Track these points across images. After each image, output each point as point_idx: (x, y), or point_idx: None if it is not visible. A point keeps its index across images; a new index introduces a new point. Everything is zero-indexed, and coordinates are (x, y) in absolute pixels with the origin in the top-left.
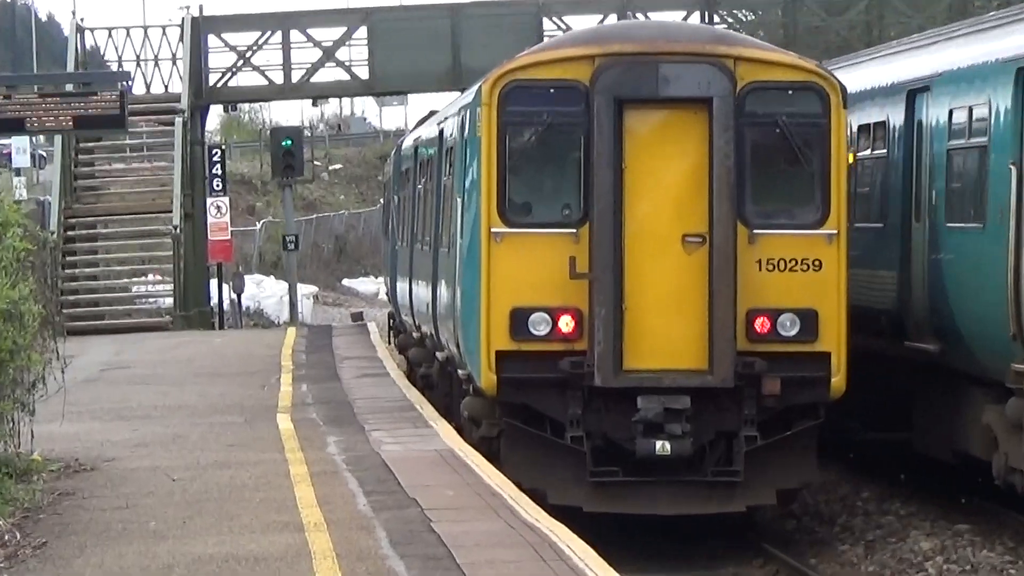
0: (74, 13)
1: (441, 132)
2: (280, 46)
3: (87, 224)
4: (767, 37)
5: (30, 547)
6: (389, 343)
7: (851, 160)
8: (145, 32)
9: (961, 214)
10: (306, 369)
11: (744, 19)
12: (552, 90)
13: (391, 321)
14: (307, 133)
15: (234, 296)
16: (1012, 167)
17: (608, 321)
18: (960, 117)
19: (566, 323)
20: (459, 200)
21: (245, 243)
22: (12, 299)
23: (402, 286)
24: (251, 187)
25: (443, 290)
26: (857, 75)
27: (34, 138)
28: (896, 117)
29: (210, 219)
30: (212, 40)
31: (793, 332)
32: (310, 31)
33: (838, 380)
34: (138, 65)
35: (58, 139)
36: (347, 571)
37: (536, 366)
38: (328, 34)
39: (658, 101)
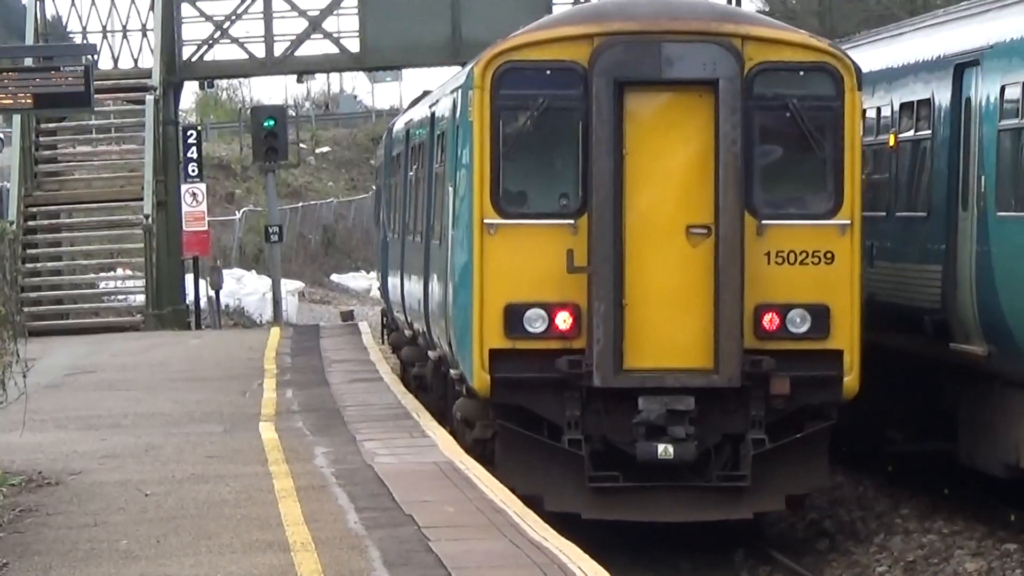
0: None
1: (433, 115)
2: (261, 16)
3: (49, 213)
4: (800, 4)
5: None
6: (383, 342)
7: (892, 142)
8: (112, 0)
9: (1013, 202)
10: (291, 373)
11: None
12: (548, 72)
13: (384, 319)
14: (291, 112)
15: (212, 293)
16: None
17: (608, 318)
18: (1013, 94)
19: (563, 320)
20: (451, 188)
21: (224, 234)
22: None
23: (393, 280)
24: (230, 172)
25: (435, 285)
26: (899, 48)
27: None
28: (942, 94)
29: (185, 208)
30: (186, 9)
31: (804, 329)
32: None
33: (851, 379)
34: (104, 37)
35: (16, 119)
36: None
37: (532, 365)
38: (314, 2)
39: (661, 83)
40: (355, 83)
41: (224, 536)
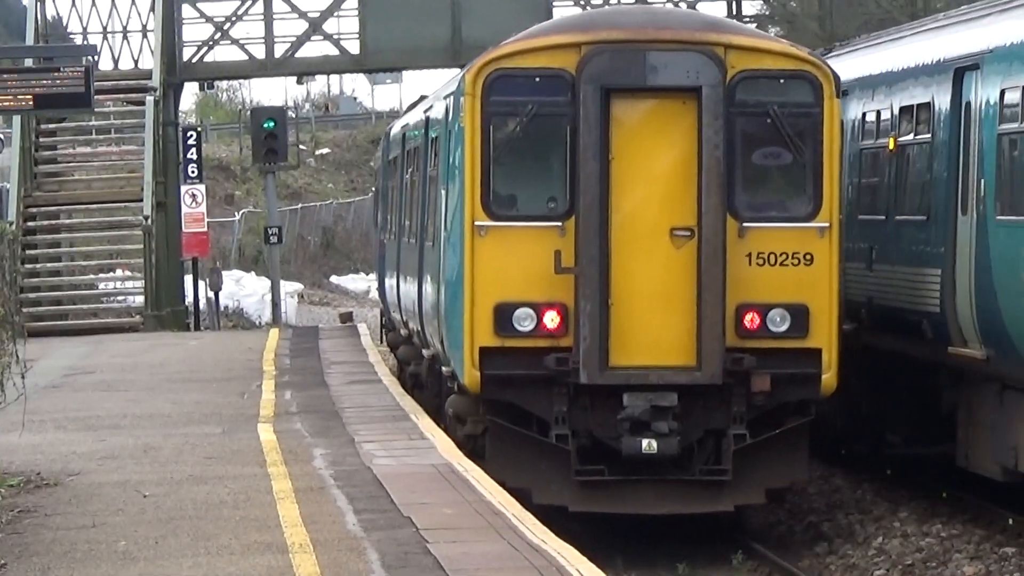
0: None
1: (427, 119)
2: (262, 17)
3: (49, 214)
4: (801, 8)
5: None
6: (381, 341)
7: (892, 146)
8: (112, 1)
9: (1013, 206)
10: (290, 375)
11: None
12: (537, 79)
13: (382, 319)
14: (291, 114)
15: (211, 294)
16: None
17: (594, 317)
18: (1013, 98)
19: (551, 319)
20: (443, 192)
21: (223, 236)
22: None
23: (390, 281)
24: (230, 174)
25: (428, 285)
26: (899, 51)
27: None
28: (942, 98)
29: (184, 209)
30: (187, 10)
31: (783, 328)
32: (295, 0)
33: (829, 377)
34: (105, 38)
35: (16, 120)
36: None
37: (520, 363)
38: (315, 3)
39: (646, 90)
40: (355, 85)
41: (222, 537)
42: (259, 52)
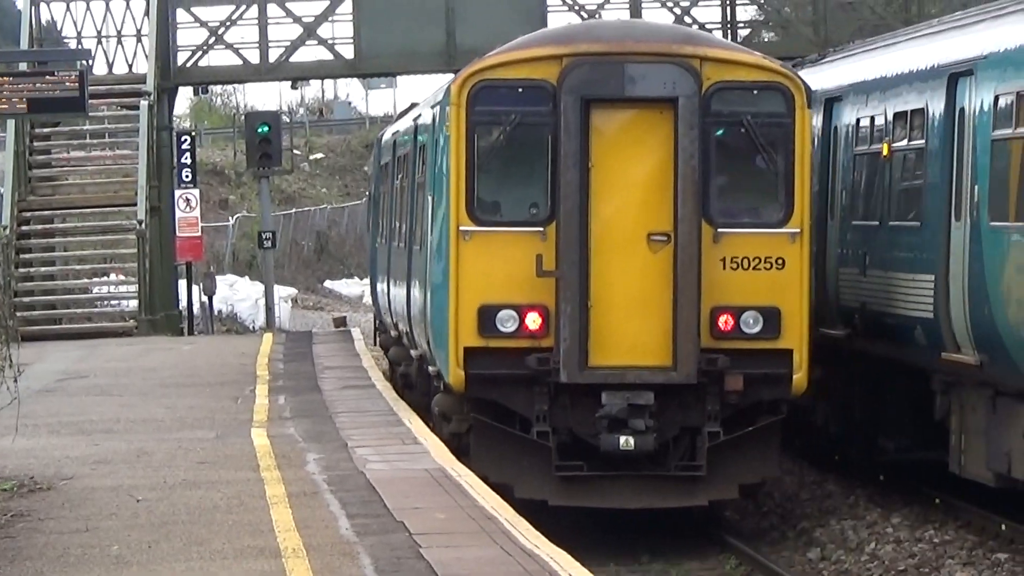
0: None
1: (416, 127)
2: (256, 22)
3: (43, 218)
4: (795, 13)
5: None
6: (375, 343)
7: (885, 152)
8: (107, 5)
9: (1007, 212)
10: (284, 380)
11: None
12: (520, 90)
13: (376, 322)
14: (285, 119)
15: (205, 299)
16: None
17: (574, 318)
18: (1006, 103)
19: (533, 320)
20: (430, 198)
21: (217, 240)
22: None
23: (381, 284)
24: (224, 178)
25: (416, 287)
26: (893, 57)
27: None
28: (936, 104)
29: (178, 213)
30: (181, 15)
31: (756, 329)
32: (289, 5)
33: (800, 377)
34: (99, 42)
35: (10, 124)
36: None
37: (503, 362)
38: (309, 8)
39: (624, 101)
40: (349, 89)
41: (215, 542)
42: (253, 57)
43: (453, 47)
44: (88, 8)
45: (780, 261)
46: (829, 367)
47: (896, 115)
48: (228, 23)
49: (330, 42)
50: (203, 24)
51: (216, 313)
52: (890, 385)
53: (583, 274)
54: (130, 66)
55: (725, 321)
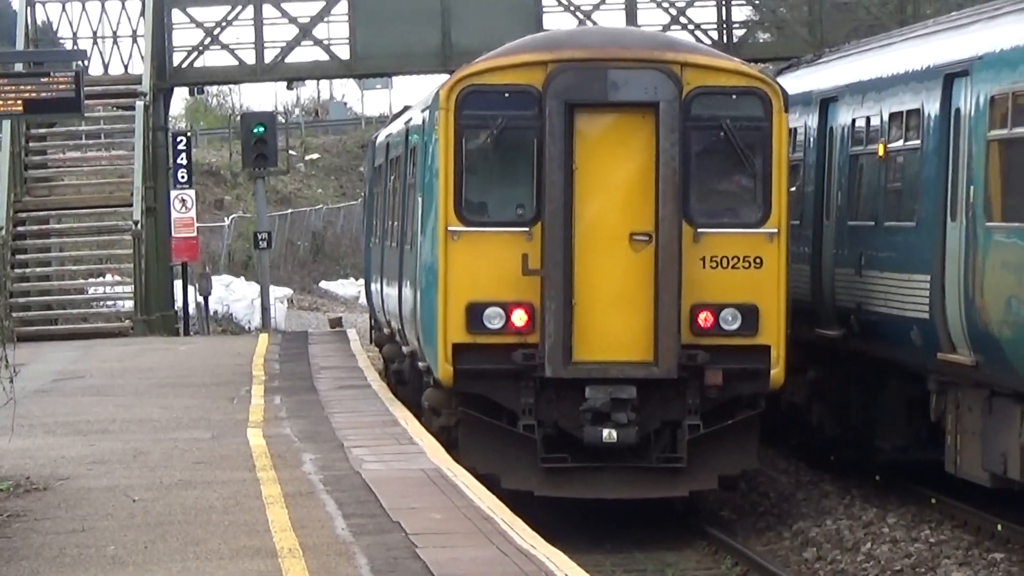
0: None
1: (407, 130)
2: (252, 22)
3: (39, 219)
4: (790, 14)
5: None
6: (371, 342)
7: (881, 152)
8: (103, 6)
9: (1002, 213)
10: (280, 380)
11: None
12: (506, 94)
13: (371, 320)
14: (281, 119)
15: (200, 299)
16: None
17: (558, 315)
18: (1002, 104)
19: (519, 317)
20: (420, 199)
21: (213, 241)
22: None
23: (375, 283)
24: (219, 179)
25: (406, 285)
26: (889, 58)
27: None
28: (931, 104)
29: (174, 214)
30: (177, 15)
31: (735, 326)
32: (285, 6)
33: (777, 372)
34: (95, 43)
35: (6, 124)
36: None
37: (490, 358)
38: (305, 9)
39: (607, 105)
40: (345, 90)
41: (212, 542)
42: (249, 57)
43: (449, 48)
44: (84, 9)
45: (758, 260)
46: (825, 367)
47: (892, 115)
48: (224, 24)
49: (326, 43)
50: (199, 25)
51: (212, 314)
52: (886, 385)
53: (567, 273)
54: (126, 67)
55: (705, 318)
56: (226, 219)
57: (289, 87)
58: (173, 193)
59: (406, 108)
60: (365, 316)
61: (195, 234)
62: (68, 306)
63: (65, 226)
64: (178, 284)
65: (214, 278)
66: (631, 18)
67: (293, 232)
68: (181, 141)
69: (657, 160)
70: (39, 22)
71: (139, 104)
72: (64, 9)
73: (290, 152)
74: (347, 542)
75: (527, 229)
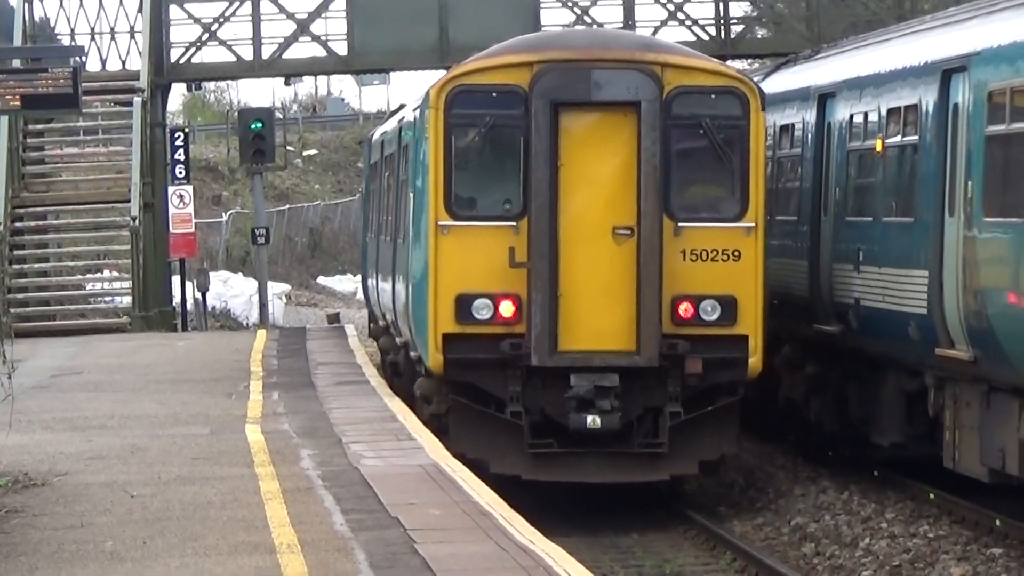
0: None
1: (400, 129)
2: (249, 18)
3: (36, 215)
4: (788, 9)
5: None
6: (369, 334)
7: (879, 148)
8: (100, 2)
9: (1000, 207)
10: (278, 376)
11: None
12: (494, 94)
13: (369, 314)
14: (279, 115)
15: (198, 295)
16: None
17: (544, 306)
18: (1000, 100)
19: (506, 308)
20: (412, 194)
21: (210, 236)
22: None
23: (371, 277)
24: (217, 175)
25: (399, 278)
26: (886, 53)
27: None
28: (929, 100)
29: (172, 210)
30: (174, 11)
31: (714, 317)
32: (282, 2)
33: (755, 360)
34: (93, 39)
35: (3, 120)
36: None
37: (479, 347)
38: (302, 5)
39: (591, 104)
40: (342, 86)
41: (210, 538)
42: (247, 53)
43: (446, 44)
44: (81, 5)
45: (736, 253)
46: (823, 363)
47: (890, 111)
48: (221, 19)
49: (323, 38)
50: (196, 20)
51: (210, 309)
52: (884, 381)
53: (553, 265)
54: (123, 63)
55: (685, 309)
56: (224, 215)
57: (287, 83)
58: (171, 189)
59: (402, 106)
60: (363, 312)
61: (193, 230)
62: (66, 302)
63: (63, 222)
64: (176, 280)
65: (212, 274)
66: (629, 14)
67: (291, 228)
68: (179, 137)
69: (639, 157)
70: (36, 18)
71: (137, 100)
72: (61, 5)
73: (288, 148)
74: (345, 538)
75: (514, 223)
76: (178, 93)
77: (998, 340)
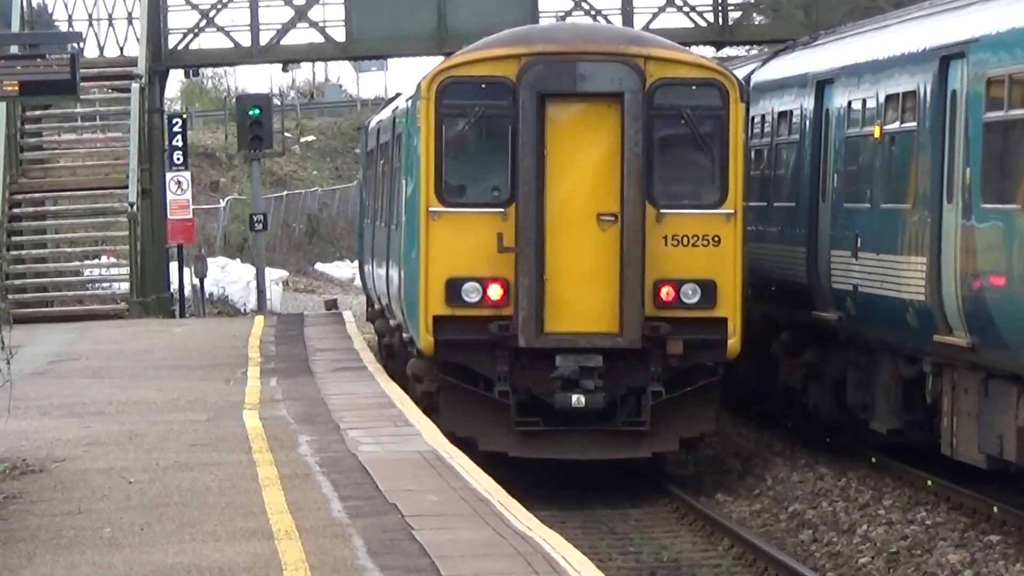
0: None
1: (394, 118)
2: (247, 4)
3: (34, 201)
4: None
5: None
6: (366, 318)
7: (877, 134)
8: None
9: (998, 194)
10: (275, 362)
11: None
12: (483, 85)
13: (367, 298)
14: (276, 101)
15: (196, 281)
16: None
17: (531, 290)
18: (998, 86)
19: (495, 291)
20: (404, 181)
21: (208, 223)
22: None
23: (367, 262)
24: (215, 161)
25: (392, 263)
26: (885, 40)
27: None
28: (927, 86)
29: (170, 196)
30: None
31: (695, 300)
32: None
33: (734, 342)
34: (90, 25)
35: (1, 106)
36: None
37: (468, 329)
38: None
39: (576, 95)
40: (340, 72)
41: (208, 524)
42: (244, 39)
43: (444, 30)
44: None
45: (716, 239)
46: (821, 350)
47: (888, 97)
48: (219, 6)
49: (321, 25)
50: (194, 7)
51: (207, 296)
52: (882, 368)
53: (539, 250)
54: (121, 49)
55: (667, 292)
56: (222, 201)
57: (284, 69)
58: (169, 175)
59: (397, 95)
60: (361, 299)
61: (191, 216)
62: (64, 288)
63: (61, 208)
64: (174, 266)
65: (210, 260)
66: (626, 1)
67: (289, 214)
68: (177, 123)
69: (622, 146)
70: (34, 4)
71: (135, 86)
72: None
73: (286, 134)
74: (343, 524)
75: (502, 210)
76: (176, 79)
77: (996, 326)
